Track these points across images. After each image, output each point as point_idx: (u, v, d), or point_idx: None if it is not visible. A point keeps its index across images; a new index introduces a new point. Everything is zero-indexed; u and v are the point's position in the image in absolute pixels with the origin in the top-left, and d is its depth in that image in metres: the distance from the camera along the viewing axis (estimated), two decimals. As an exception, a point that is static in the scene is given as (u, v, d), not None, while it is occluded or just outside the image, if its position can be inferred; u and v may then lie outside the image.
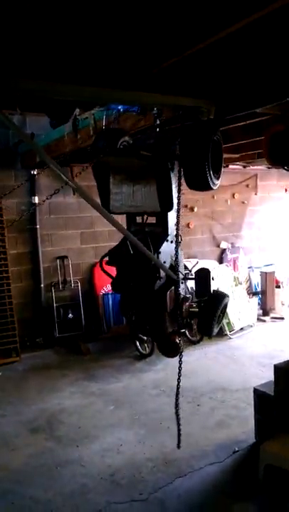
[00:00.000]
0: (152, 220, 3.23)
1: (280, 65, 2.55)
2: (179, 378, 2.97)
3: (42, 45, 2.24)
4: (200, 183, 2.88)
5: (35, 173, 6.58)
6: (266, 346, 6.47)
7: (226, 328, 6.96)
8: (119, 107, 3.81)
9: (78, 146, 4.66)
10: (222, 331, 6.97)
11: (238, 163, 7.42)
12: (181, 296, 2.97)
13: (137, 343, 6.10)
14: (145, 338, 5.75)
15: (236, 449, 3.82)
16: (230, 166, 7.56)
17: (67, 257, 7.01)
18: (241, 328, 7.18)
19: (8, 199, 6.50)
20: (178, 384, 2.93)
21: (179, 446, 3.01)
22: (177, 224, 2.82)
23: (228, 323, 7.00)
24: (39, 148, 2.99)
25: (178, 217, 2.79)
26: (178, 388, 2.92)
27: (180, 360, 2.93)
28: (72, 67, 2.46)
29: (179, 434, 3.00)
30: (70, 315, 6.94)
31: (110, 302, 7.07)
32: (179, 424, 2.99)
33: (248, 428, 4.07)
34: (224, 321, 6.99)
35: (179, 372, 2.95)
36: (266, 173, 8.73)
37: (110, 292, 7.12)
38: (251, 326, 7.37)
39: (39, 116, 5.66)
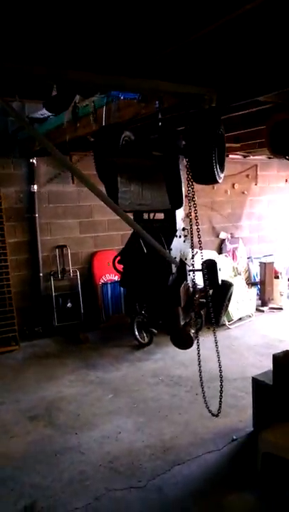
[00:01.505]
0: (157, 216, 3.26)
1: (283, 53, 2.51)
2: (199, 364, 3.39)
3: (48, 30, 2.20)
4: (207, 177, 2.90)
5: (34, 161, 6.53)
6: (265, 336, 6.49)
7: (225, 319, 6.98)
8: (120, 95, 3.77)
9: (78, 134, 4.62)
10: (221, 321, 7.00)
11: (238, 152, 7.37)
12: (193, 288, 3.02)
13: (136, 333, 6.12)
14: (156, 331, 5.82)
15: (234, 437, 3.85)
16: (231, 156, 7.51)
17: (66, 246, 7.00)
18: (240, 319, 7.20)
19: (7, 187, 6.47)
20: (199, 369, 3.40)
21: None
22: (192, 219, 2.89)
23: (227, 314, 7.02)
24: (40, 135, 2.95)
25: (195, 211, 2.83)
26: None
27: (198, 348, 3.24)
28: (76, 53, 2.43)
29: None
30: (69, 304, 6.94)
31: (109, 291, 7.08)
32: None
33: (246, 417, 4.10)
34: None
35: (199, 358, 3.34)
36: (266, 163, 8.69)
37: (109, 282, 7.12)
38: (250, 317, 7.39)
39: (38, 103, 5.60)
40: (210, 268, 3.15)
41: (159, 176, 2.88)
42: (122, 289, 6.74)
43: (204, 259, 3.16)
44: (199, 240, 2.96)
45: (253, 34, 2.46)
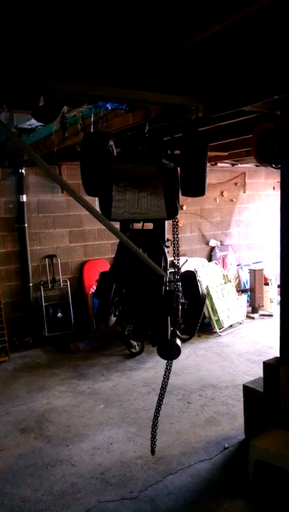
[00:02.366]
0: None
1: (267, 63, 2.56)
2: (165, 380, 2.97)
3: (30, 40, 2.22)
4: (197, 189, 2.95)
5: (23, 171, 6.53)
6: (255, 343, 6.51)
7: (216, 326, 7.00)
8: (108, 105, 3.79)
9: (66, 144, 4.63)
10: (211, 328, 7.01)
11: (226, 161, 7.44)
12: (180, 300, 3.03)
13: (127, 342, 6.10)
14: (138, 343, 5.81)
15: (226, 445, 3.84)
16: (219, 164, 7.58)
17: (56, 255, 6.98)
18: (230, 326, 7.22)
19: (-4, 197, 6.46)
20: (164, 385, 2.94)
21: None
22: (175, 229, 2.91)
23: (218, 321, 7.04)
24: (26, 146, 2.95)
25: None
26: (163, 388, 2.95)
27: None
28: (61, 63, 2.44)
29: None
30: (60, 314, 6.91)
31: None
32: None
33: (238, 424, 4.10)
34: (214, 319, 7.03)
35: (166, 373, 2.98)
36: (254, 171, 8.78)
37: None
38: (240, 323, 7.41)
39: (27, 113, 5.62)
40: (188, 280, 3.18)
41: (159, 185, 2.87)
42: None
43: (185, 269, 3.19)
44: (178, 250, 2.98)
45: (238, 45, 2.50)
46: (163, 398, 3.07)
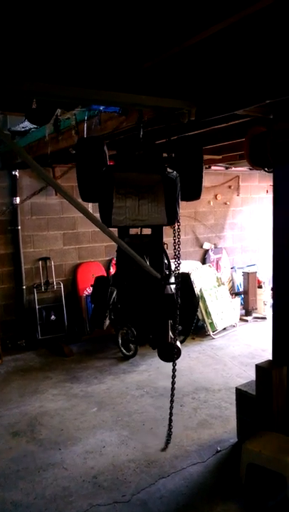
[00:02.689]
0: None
1: (259, 68, 2.57)
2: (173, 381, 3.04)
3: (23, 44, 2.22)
4: (194, 194, 2.98)
5: (16, 173, 6.51)
6: (248, 346, 6.53)
7: (209, 328, 7.01)
8: (101, 108, 3.80)
9: (60, 146, 4.63)
10: (205, 331, 7.02)
11: (220, 164, 7.47)
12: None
13: (120, 347, 6.09)
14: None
15: (219, 448, 3.84)
16: (213, 167, 7.61)
17: (49, 258, 6.96)
18: (224, 328, 7.23)
19: (-11, 200, 6.43)
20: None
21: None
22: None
23: (211, 323, 7.05)
24: (20, 149, 2.95)
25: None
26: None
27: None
28: (56, 67, 2.45)
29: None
30: (53, 317, 6.88)
31: (93, 303, 7.04)
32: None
33: (231, 427, 4.10)
34: (207, 321, 7.04)
35: (173, 375, 3.03)
36: (248, 174, 8.81)
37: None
38: (234, 326, 7.43)
39: (20, 116, 5.61)
40: (185, 280, 3.21)
41: (160, 191, 2.88)
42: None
43: (179, 271, 3.22)
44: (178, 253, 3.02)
45: (231, 50, 2.52)
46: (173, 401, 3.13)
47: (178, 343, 3.20)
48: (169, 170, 2.89)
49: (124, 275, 3.12)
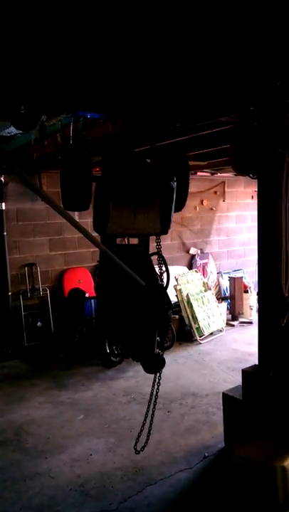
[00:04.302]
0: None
1: (243, 76, 2.61)
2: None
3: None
4: (181, 203, 3.00)
5: (2, 178, 6.46)
6: (235, 351, 6.56)
7: (196, 334, 7.02)
8: (87, 114, 3.80)
9: (46, 152, 4.62)
10: (192, 336, 7.03)
11: (206, 170, 7.52)
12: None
13: (107, 350, 6.06)
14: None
15: (206, 454, 3.84)
16: (199, 173, 7.66)
17: (35, 264, 6.91)
18: (211, 333, 7.25)
19: (-26, 206, 6.36)
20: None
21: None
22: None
23: (198, 329, 7.06)
24: (7, 157, 2.94)
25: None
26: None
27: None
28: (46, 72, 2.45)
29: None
30: (39, 323, 6.82)
31: (80, 309, 7.00)
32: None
33: (218, 433, 4.10)
34: (194, 326, 7.05)
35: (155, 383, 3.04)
36: (234, 180, 8.89)
37: (80, 299, 7.05)
38: (221, 331, 7.45)
39: (6, 121, 5.58)
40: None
41: (156, 200, 2.87)
42: (92, 306, 6.67)
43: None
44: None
45: (216, 58, 2.54)
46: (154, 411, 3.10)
47: (160, 353, 3.18)
48: (172, 182, 2.90)
49: (108, 284, 3.08)
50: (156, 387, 3.07)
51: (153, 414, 3.20)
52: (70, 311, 6.55)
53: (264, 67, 2.53)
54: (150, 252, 3.09)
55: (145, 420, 3.22)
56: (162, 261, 3.01)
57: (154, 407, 3.17)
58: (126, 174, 2.82)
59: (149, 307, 2.96)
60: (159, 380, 3.07)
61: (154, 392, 3.10)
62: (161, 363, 3.07)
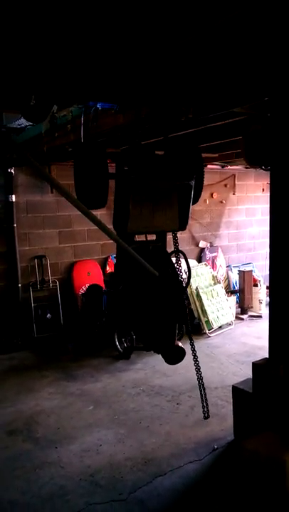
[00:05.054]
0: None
1: (256, 66, 2.57)
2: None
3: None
4: (196, 197, 2.99)
5: (12, 171, 6.47)
6: (244, 344, 6.54)
7: (205, 327, 7.01)
8: (98, 105, 3.77)
9: (56, 144, 4.61)
10: (201, 329, 7.02)
11: (216, 162, 7.47)
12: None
13: (117, 343, 6.08)
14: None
15: (216, 446, 3.85)
16: (209, 166, 7.61)
17: (45, 256, 6.93)
18: (220, 327, 7.24)
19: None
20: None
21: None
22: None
23: (207, 322, 7.05)
24: (21, 147, 2.94)
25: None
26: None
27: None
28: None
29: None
30: (49, 315, 6.86)
31: (89, 302, 7.01)
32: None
33: (227, 425, 4.10)
34: (203, 320, 7.04)
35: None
36: (244, 172, 8.82)
37: (89, 292, 7.07)
38: (230, 325, 7.43)
39: (16, 113, 5.57)
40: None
41: (174, 198, 2.86)
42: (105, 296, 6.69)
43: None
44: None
45: (228, 47, 2.51)
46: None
47: (180, 344, 3.21)
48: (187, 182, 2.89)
49: (127, 280, 3.07)
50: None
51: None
52: (89, 305, 6.57)
53: (277, 57, 2.49)
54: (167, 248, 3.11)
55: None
56: (183, 257, 3.02)
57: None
58: (145, 174, 2.81)
59: (170, 301, 2.96)
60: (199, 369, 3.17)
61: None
62: (182, 354, 3.10)
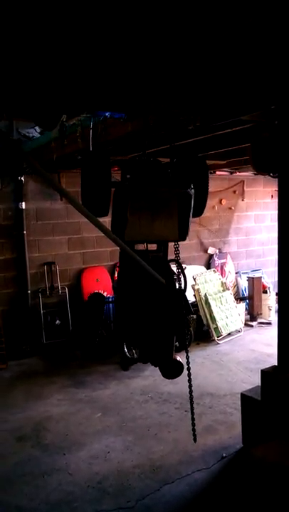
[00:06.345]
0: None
1: (264, 74, 2.58)
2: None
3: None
4: (201, 209, 3.00)
5: (22, 178, 6.54)
6: (254, 351, 6.50)
7: (214, 334, 6.99)
8: (106, 114, 3.82)
9: (65, 152, 4.66)
10: (210, 336, 7.00)
11: (225, 169, 7.48)
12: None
13: (125, 350, 6.08)
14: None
15: (224, 454, 3.82)
16: (218, 173, 7.63)
17: (54, 262, 6.97)
18: (229, 334, 7.21)
19: (-5, 205, 6.47)
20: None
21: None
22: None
23: (216, 329, 7.03)
24: (29, 156, 2.98)
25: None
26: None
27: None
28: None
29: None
30: (58, 321, 6.89)
31: (98, 308, 7.03)
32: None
33: (236, 433, 4.08)
34: (212, 326, 7.02)
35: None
36: (253, 179, 8.82)
37: (98, 298, 7.09)
38: (239, 331, 7.40)
39: (27, 121, 5.65)
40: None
41: (174, 207, 2.86)
42: (110, 305, 6.71)
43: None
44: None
45: (235, 57, 2.53)
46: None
47: (178, 358, 3.18)
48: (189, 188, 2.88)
49: (128, 289, 3.07)
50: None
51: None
52: (90, 314, 6.59)
53: (284, 66, 2.51)
54: (169, 258, 3.09)
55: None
56: (180, 268, 3.00)
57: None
58: (144, 181, 2.81)
59: (168, 313, 2.95)
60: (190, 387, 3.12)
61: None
62: (180, 369, 3.07)
